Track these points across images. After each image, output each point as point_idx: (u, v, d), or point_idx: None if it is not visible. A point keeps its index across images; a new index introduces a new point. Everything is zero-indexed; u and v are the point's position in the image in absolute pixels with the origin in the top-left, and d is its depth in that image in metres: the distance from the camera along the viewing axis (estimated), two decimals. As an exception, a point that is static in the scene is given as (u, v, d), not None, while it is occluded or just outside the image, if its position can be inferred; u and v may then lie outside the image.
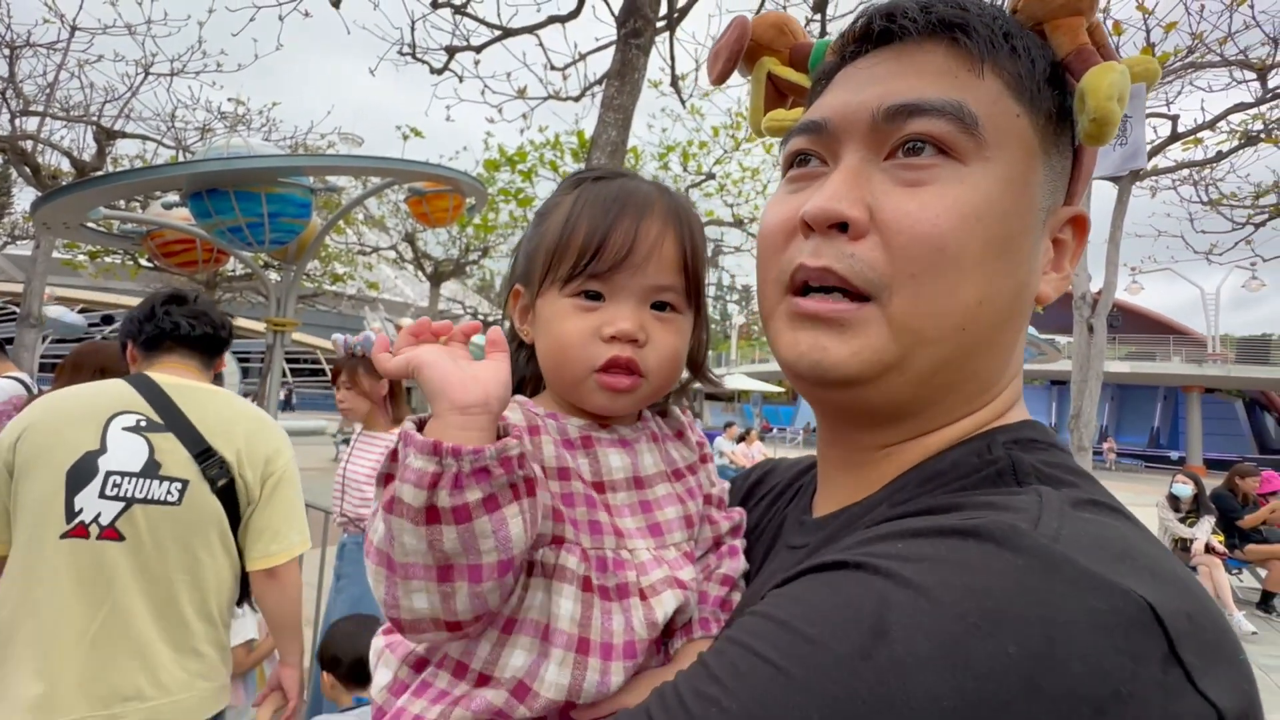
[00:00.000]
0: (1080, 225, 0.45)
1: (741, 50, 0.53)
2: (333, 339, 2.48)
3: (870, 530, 0.36)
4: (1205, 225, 10.03)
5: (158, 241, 6.12)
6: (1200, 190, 9.32)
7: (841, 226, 0.40)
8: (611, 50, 6.14)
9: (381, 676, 0.49)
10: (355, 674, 1.68)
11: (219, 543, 1.40)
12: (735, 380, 21.63)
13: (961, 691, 0.24)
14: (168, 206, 5.56)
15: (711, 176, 9.69)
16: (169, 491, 1.34)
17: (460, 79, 5.82)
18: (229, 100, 8.47)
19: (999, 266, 0.39)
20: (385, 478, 0.44)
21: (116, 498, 1.31)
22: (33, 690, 1.19)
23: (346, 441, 14.49)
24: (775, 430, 27.95)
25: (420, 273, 14.53)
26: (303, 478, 1.63)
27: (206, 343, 1.57)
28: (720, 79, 0.56)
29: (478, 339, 0.48)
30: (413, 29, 5.26)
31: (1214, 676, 0.26)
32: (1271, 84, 6.31)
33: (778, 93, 0.53)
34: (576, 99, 6.90)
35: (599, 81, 6.60)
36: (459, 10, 4.98)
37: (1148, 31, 6.01)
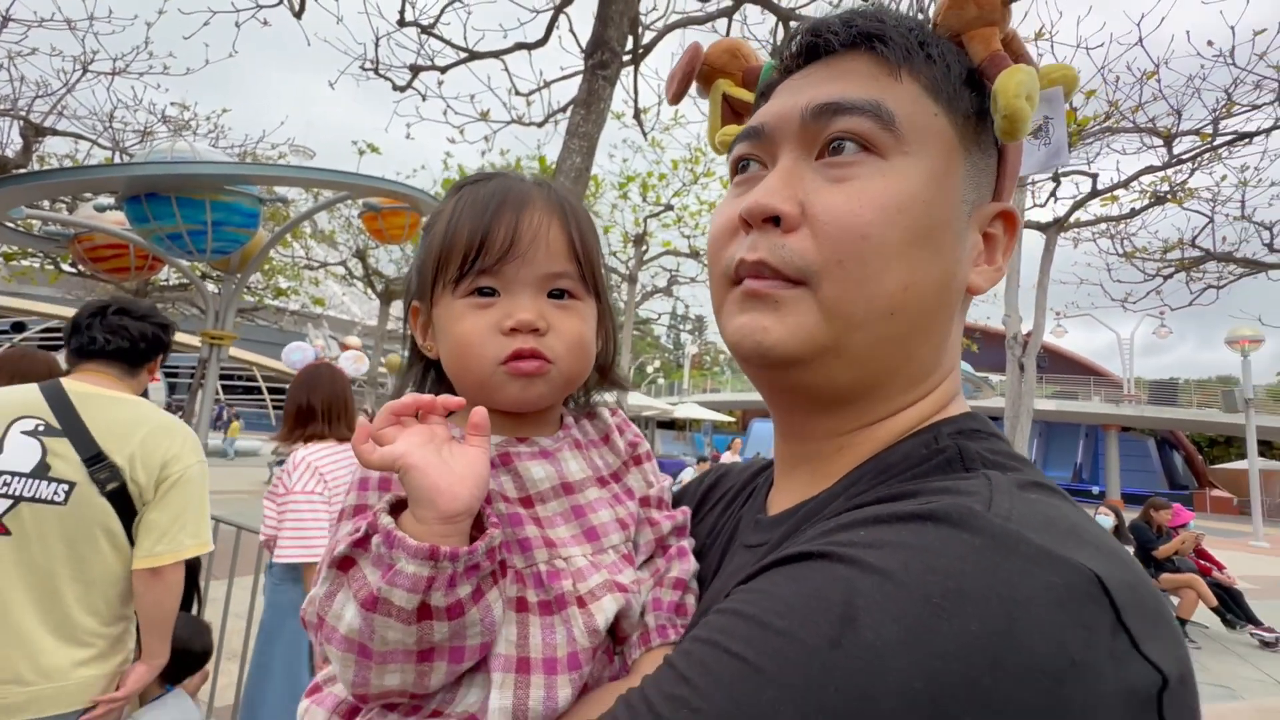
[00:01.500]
0: (1010, 220, 0.46)
1: (693, 72, 0.56)
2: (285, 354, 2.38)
3: (831, 521, 0.36)
4: (1121, 275, 10.87)
5: (86, 245, 5.76)
6: (1116, 243, 10.13)
7: (775, 221, 0.43)
8: (576, 80, 6.24)
9: None
10: (175, 667, 1.69)
11: (106, 541, 1.47)
12: (687, 409, 21.78)
13: (930, 673, 0.25)
14: (100, 209, 5.25)
15: (670, 208, 9.89)
16: (56, 492, 1.43)
17: (423, 98, 5.79)
18: (173, 104, 8.14)
19: (922, 255, 0.42)
20: (344, 561, 0.42)
21: (5, 495, 1.40)
22: None
23: (282, 464, 13.83)
24: (725, 458, 28.21)
25: (370, 290, 14.12)
26: (233, 501, 1.64)
27: (123, 355, 1.63)
28: (675, 99, 0.59)
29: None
30: (376, 45, 5.22)
31: (1155, 641, 0.27)
32: (1176, 150, 6.97)
33: (733, 112, 0.56)
34: (540, 125, 6.96)
35: (563, 109, 6.70)
36: (426, 30, 4.99)
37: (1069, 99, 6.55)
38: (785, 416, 0.49)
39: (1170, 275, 10.28)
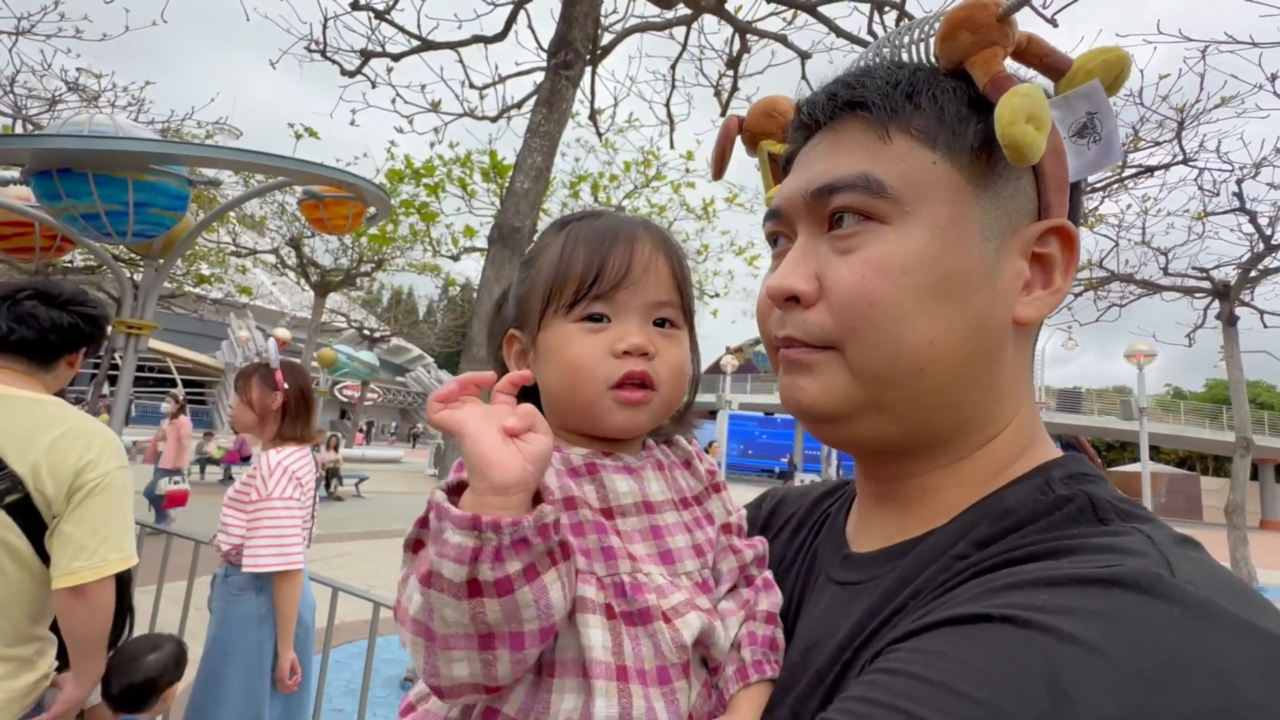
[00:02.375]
0: (1065, 235, 0.44)
1: (728, 147, 0.58)
2: (261, 346, 2.23)
3: (989, 579, 0.35)
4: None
5: (-17, 221, 5.23)
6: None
7: (795, 298, 0.45)
8: (532, 76, 6.15)
9: None
10: (126, 699, 1.56)
11: (7, 557, 1.33)
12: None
13: None
14: (2, 183, 4.77)
15: (621, 209, 9.95)
16: None
17: (373, 84, 5.59)
18: (83, 71, 7.45)
19: (941, 308, 0.42)
20: (415, 544, 0.43)
21: None
22: None
23: (200, 463, 12.73)
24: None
25: (304, 281, 13.43)
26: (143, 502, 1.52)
27: (30, 348, 1.47)
28: (718, 175, 0.62)
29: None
30: (325, 27, 5.00)
31: None
32: (1090, 179, 7.55)
33: (781, 169, 0.57)
34: (494, 119, 6.83)
35: (518, 105, 6.60)
36: (380, 15, 4.81)
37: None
38: (858, 462, 0.52)
39: (1080, 293, 11.16)
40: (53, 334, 1.48)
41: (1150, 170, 7.15)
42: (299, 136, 9.26)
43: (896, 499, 0.48)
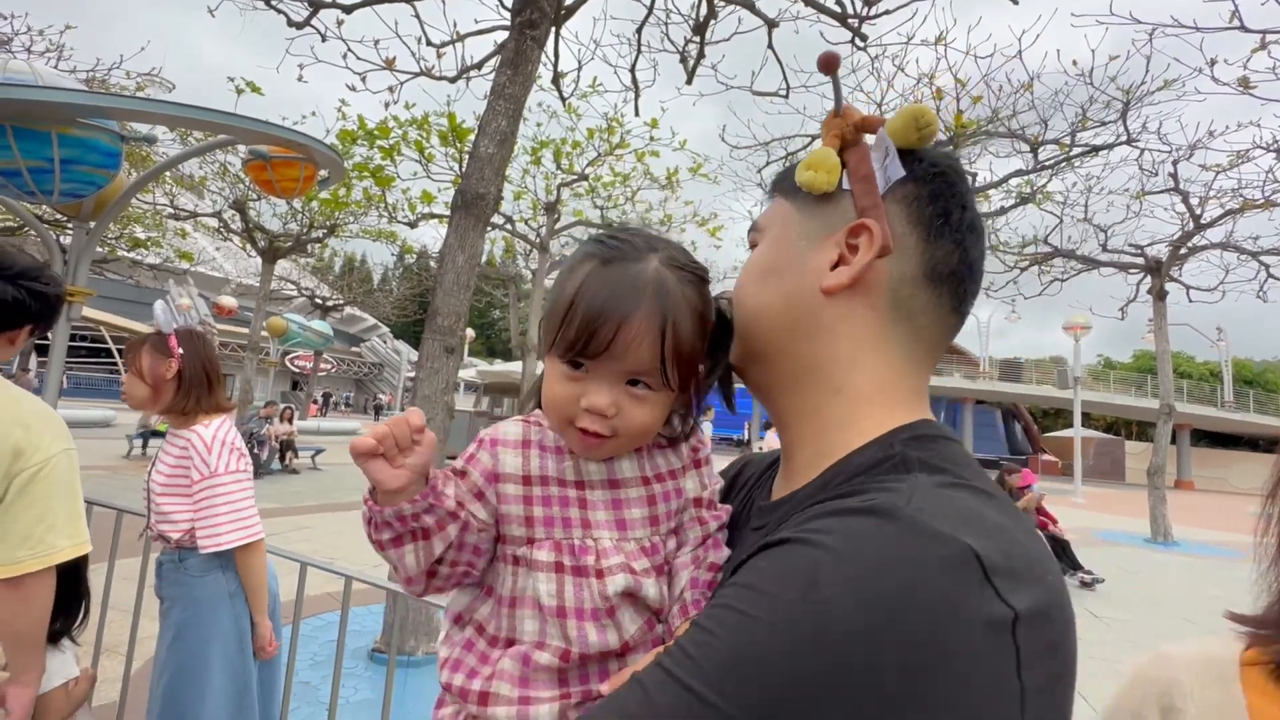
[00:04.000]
0: (867, 231, 0.57)
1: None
2: (155, 309, 2.08)
3: (807, 512, 0.48)
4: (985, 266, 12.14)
5: (-116, 177, 4.77)
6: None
7: None
8: (492, 36, 5.91)
9: (442, 630, 0.67)
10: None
11: None
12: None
13: (862, 611, 0.38)
14: (-97, 134, 4.34)
15: (584, 177, 9.73)
16: None
17: (323, 38, 5.28)
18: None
19: (765, 285, 0.62)
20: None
21: None
22: None
23: (144, 436, 12.19)
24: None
25: (250, 246, 12.75)
26: (88, 477, 1.43)
27: None
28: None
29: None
30: (269, -28, 4.67)
31: (1017, 591, 0.40)
32: (1041, 156, 7.85)
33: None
34: (452, 80, 6.56)
35: (478, 66, 6.35)
36: (329, -37, 4.52)
37: (958, 100, 7.16)
38: (766, 409, 0.66)
39: (1026, 268, 11.63)
40: None
41: (1096, 150, 7.42)
42: (240, 92, 8.68)
43: (792, 449, 0.62)
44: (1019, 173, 8.02)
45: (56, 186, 4.44)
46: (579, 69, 6.98)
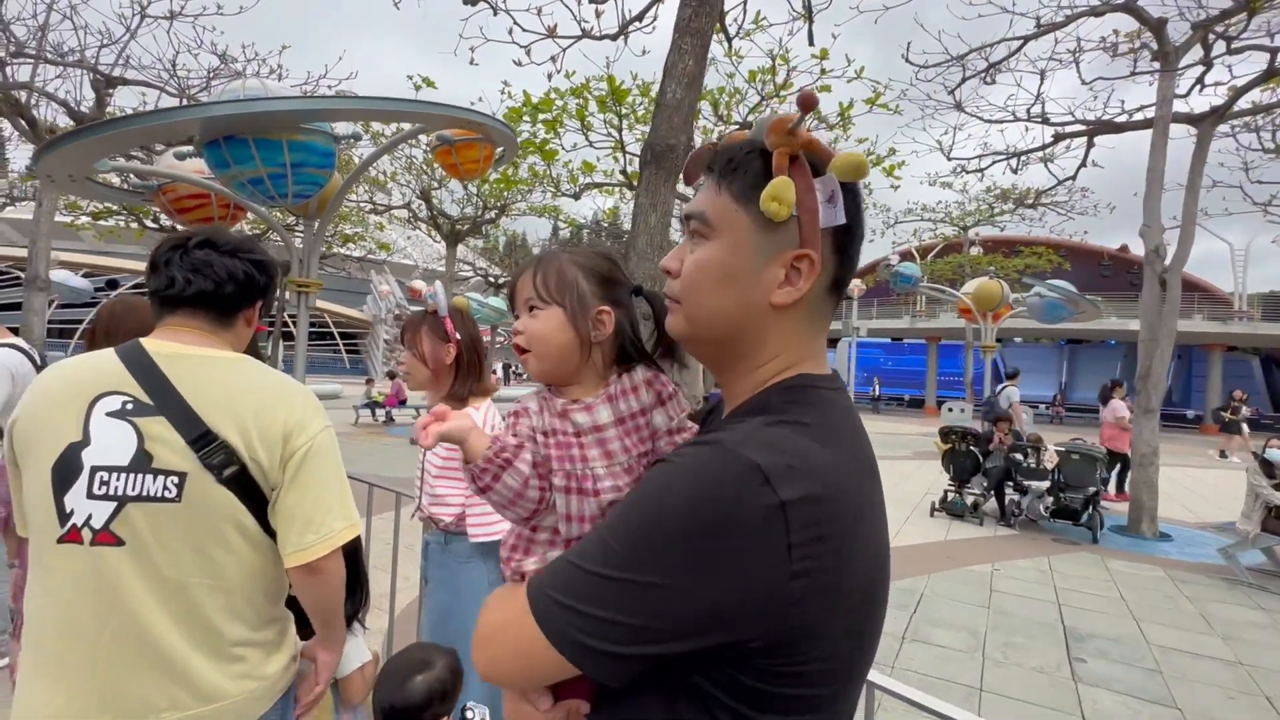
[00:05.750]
0: (807, 260, 0.71)
1: (695, 167, 0.82)
2: (425, 292, 2.07)
3: (689, 440, 0.79)
4: (1264, 174, 9.49)
5: (170, 197, 5.69)
6: (1264, 137, 8.75)
7: (669, 271, 0.79)
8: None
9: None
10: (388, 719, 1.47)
11: (239, 537, 1.21)
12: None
13: (685, 497, 0.60)
14: (180, 157, 5.10)
15: (747, 126, 9.11)
16: (165, 487, 1.15)
17: (494, 10, 5.29)
18: (237, 45, 7.83)
19: (722, 290, 0.73)
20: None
21: (107, 497, 1.14)
22: (54, 702, 1.13)
23: (370, 407, 13.97)
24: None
25: (435, 232, 13.96)
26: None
27: (210, 300, 1.29)
28: (688, 182, 0.89)
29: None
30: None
31: (787, 487, 0.58)
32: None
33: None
34: (614, 37, 6.34)
35: (638, 17, 6.05)
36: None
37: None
38: (711, 372, 0.82)
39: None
40: (230, 284, 1.29)
41: None
42: (418, 88, 9.31)
43: (726, 398, 0.81)
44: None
45: (290, 189, 4.94)
46: (744, 2, 6.38)
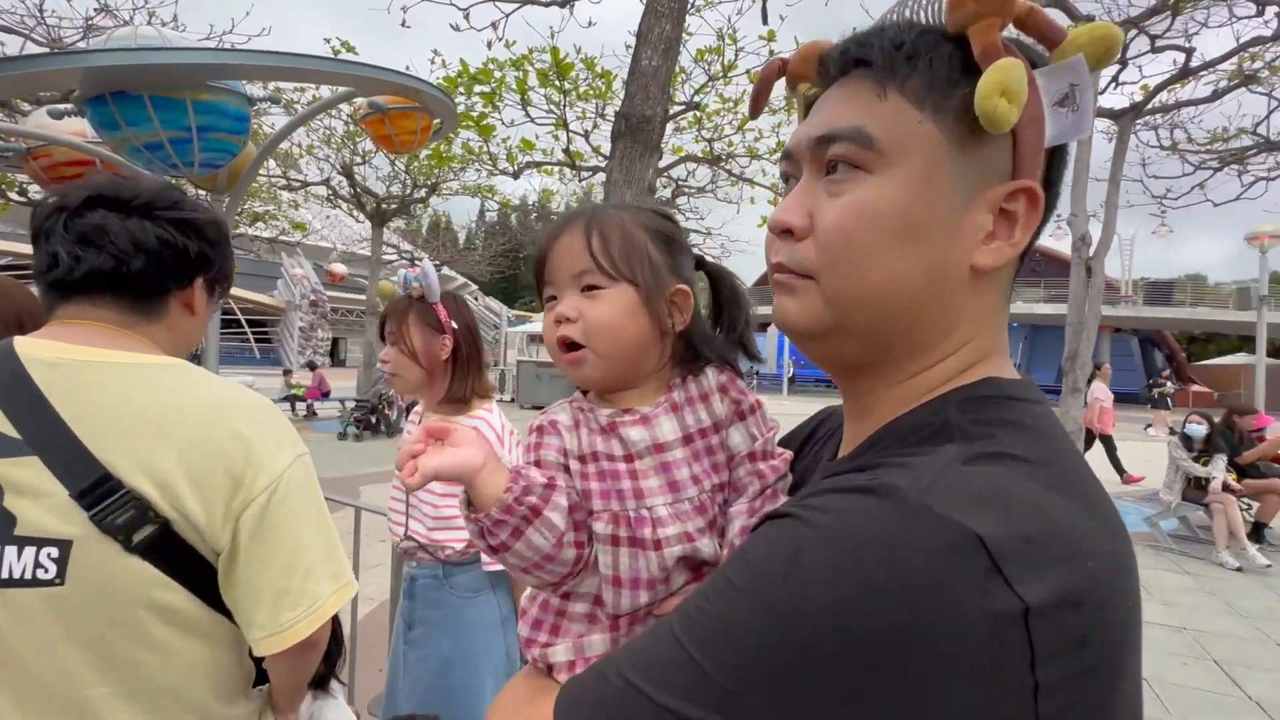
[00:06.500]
0: (1030, 195, 0.49)
1: (767, 89, 0.62)
2: (398, 276, 1.72)
3: (821, 484, 0.47)
4: (1160, 170, 10.29)
5: (44, 163, 4.85)
6: (1162, 135, 9.45)
7: (790, 230, 0.53)
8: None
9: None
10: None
11: (165, 626, 0.86)
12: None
13: (836, 599, 0.37)
14: (56, 115, 4.32)
15: (694, 106, 8.90)
16: (38, 564, 0.80)
17: (434, -35, 4.79)
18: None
19: (904, 250, 0.49)
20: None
21: None
22: None
23: (289, 401, 12.98)
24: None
25: (359, 212, 12.93)
26: None
27: (117, 282, 0.92)
28: (755, 114, 0.66)
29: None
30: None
31: (1032, 581, 0.35)
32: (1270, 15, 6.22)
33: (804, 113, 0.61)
34: (562, 3, 5.95)
35: (589, -17, 5.69)
36: None
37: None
38: (833, 377, 0.59)
39: (1218, 169, 9.72)
40: (139, 257, 0.91)
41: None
42: (336, 53, 8.49)
43: (857, 414, 0.58)
44: (1256, 41, 6.41)
45: (196, 157, 4.30)
46: (698, -26, 6.14)
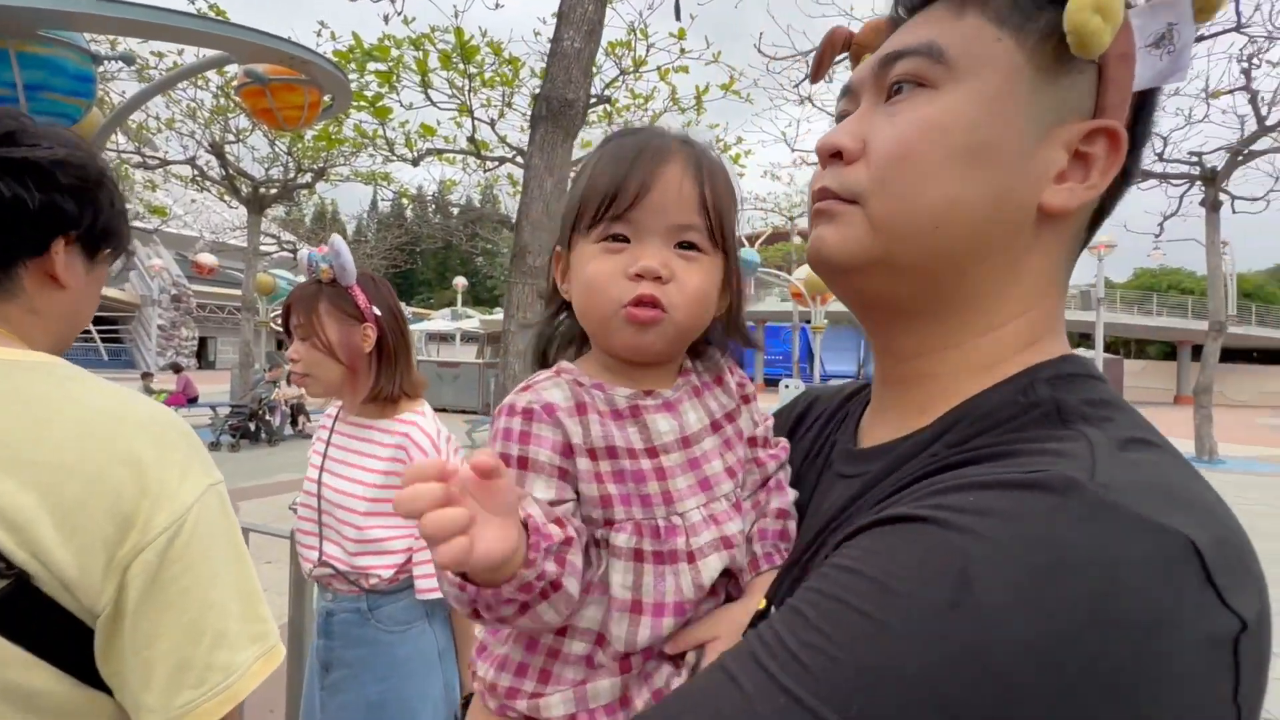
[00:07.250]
0: (1112, 138, 0.44)
1: (830, 55, 0.57)
2: (300, 257, 1.43)
3: (936, 480, 0.39)
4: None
5: None
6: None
7: (839, 155, 0.48)
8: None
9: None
10: None
11: (21, 712, 0.65)
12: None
13: (1039, 631, 0.29)
14: None
15: (605, 100, 8.77)
16: None
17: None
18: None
19: (969, 173, 0.44)
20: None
21: None
22: None
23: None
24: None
25: (233, 196, 11.58)
26: None
27: None
28: (816, 79, 0.61)
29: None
30: None
31: (1238, 591, 0.31)
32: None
33: None
34: (468, -19, 5.62)
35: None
36: None
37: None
38: (871, 332, 0.53)
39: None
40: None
41: (1200, 40, 6.69)
42: (199, 13, 7.52)
43: (901, 386, 0.51)
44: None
45: (22, 119, 3.61)
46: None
